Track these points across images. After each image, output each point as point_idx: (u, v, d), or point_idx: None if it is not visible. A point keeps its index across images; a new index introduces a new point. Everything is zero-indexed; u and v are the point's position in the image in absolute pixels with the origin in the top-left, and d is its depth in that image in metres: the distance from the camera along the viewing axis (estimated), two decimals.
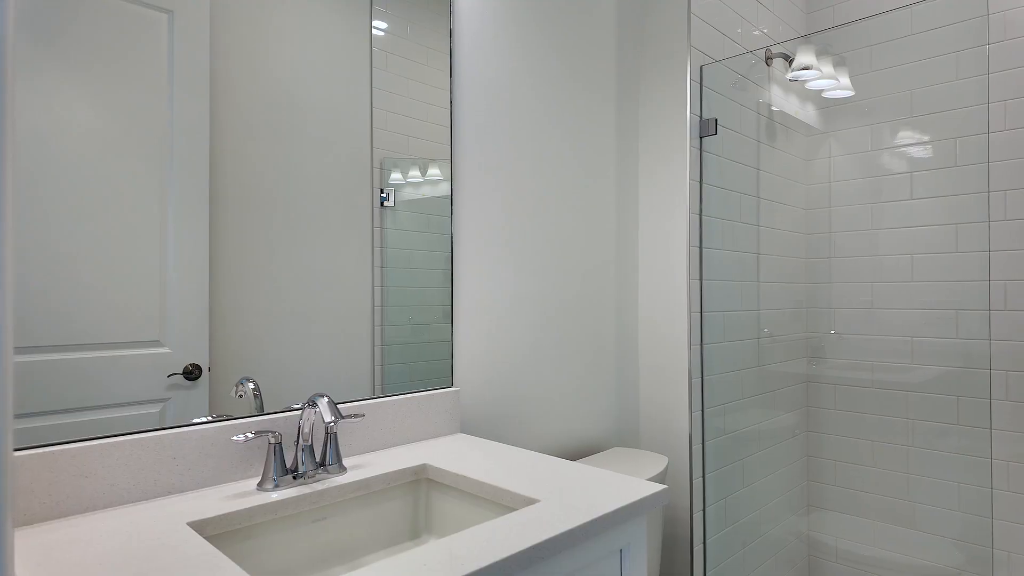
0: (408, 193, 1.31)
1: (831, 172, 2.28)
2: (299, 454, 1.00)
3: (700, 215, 1.86)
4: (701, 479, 1.84)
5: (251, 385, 1.07)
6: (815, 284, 2.30)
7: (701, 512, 1.84)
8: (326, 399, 0.95)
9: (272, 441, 0.98)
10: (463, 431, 1.42)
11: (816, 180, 2.32)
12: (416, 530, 1.13)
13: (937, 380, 2.04)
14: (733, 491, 1.97)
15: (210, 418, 1.01)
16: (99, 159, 0.91)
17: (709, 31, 1.91)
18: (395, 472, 1.10)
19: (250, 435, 0.96)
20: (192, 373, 1.00)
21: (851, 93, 2.30)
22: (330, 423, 0.93)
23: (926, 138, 2.10)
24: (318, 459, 1.06)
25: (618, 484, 1.02)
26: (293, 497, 0.95)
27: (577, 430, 1.71)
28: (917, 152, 2.12)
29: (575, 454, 1.70)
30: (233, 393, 1.04)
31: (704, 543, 1.84)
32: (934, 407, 2.04)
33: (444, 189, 1.38)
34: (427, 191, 1.34)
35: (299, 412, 1.10)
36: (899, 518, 2.09)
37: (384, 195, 1.27)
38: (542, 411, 1.61)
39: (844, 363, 2.24)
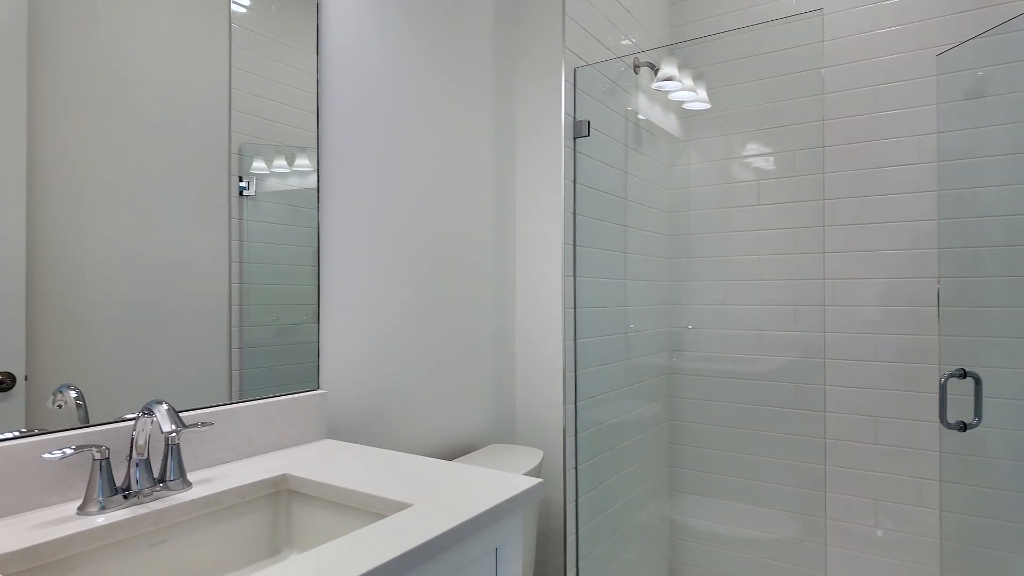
0: (273, 184, 1.20)
1: (689, 178, 2.44)
2: (131, 470, 0.87)
3: (574, 214, 1.90)
4: (574, 471, 1.88)
5: (73, 393, 0.92)
6: (675, 282, 2.45)
7: (574, 503, 1.88)
8: (165, 406, 0.83)
9: (97, 457, 0.84)
10: (331, 436, 1.33)
11: (677, 185, 2.47)
12: (276, 546, 1.04)
13: (779, 370, 2.25)
14: (603, 481, 2.04)
15: (18, 432, 0.85)
16: None
17: (582, 34, 1.96)
18: (251, 485, 0.99)
19: (68, 450, 0.82)
20: (3, 383, 0.83)
21: (708, 106, 2.47)
22: (170, 433, 0.82)
23: (771, 150, 2.31)
24: (156, 475, 0.93)
25: (493, 481, 0.99)
26: (124, 520, 0.83)
27: (454, 429, 1.67)
28: (763, 162, 2.33)
29: (452, 453, 1.66)
30: (51, 403, 0.89)
31: (576, 534, 1.88)
32: (776, 394, 2.24)
33: (314, 181, 1.28)
34: (295, 182, 1.24)
35: (132, 422, 0.96)
36: (747, 496, 2.28)
37: (244, 184, 1.16)
38: (417, 411, 1.55)
39: (700, 355, 2.40)
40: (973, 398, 1.73)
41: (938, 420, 1.93)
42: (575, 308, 1.89)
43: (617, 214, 2.16)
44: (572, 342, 1.88)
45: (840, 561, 2.14)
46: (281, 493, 1.04)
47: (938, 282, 1.99)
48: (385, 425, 1.46)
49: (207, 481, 0.99)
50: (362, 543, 0.75)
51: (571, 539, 1.85)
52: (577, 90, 1.91)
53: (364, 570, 0.68)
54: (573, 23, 1.90)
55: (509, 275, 1.89)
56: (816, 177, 2.20)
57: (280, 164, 1.21)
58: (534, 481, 0.99)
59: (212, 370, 1.10)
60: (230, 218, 1.13)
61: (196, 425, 0.96)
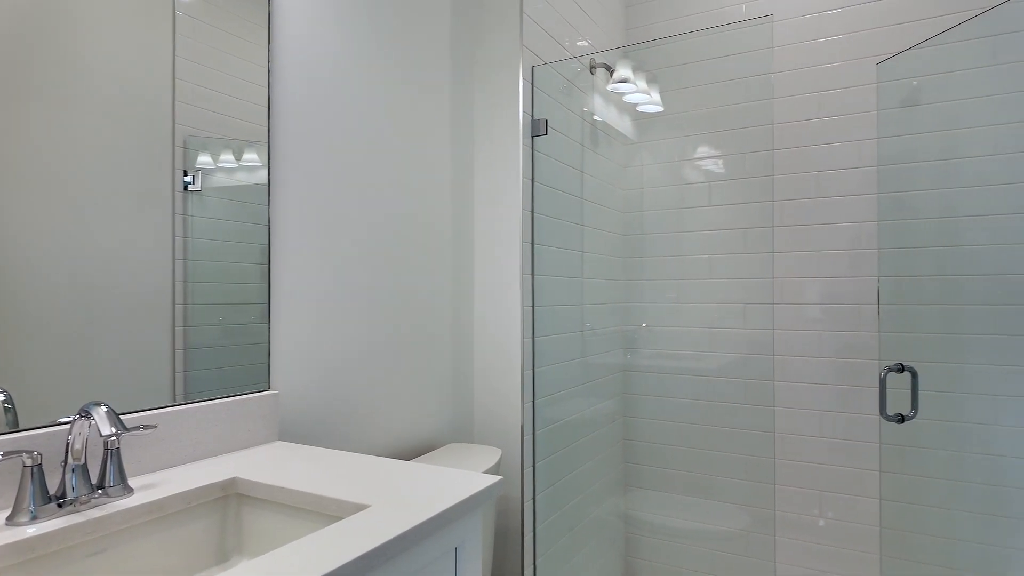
0: (220, 179, 1.15)
1: (643, 179, 2.48)
2: (67, 477, 0.82)
3: (532, 212, 1.90)
4: (532, 469, 1.88)
5: (0, 396, 0.86)
6: (629, 281, 2.49)
7: (531, 501, 1.88)
8: (104, 408, 0.79)
9: (28, 463, 0.79)
10: (283, 439, 1.29)
11: (631, 186, 2.51)
12: (225, 553, 0.99)
13: (730, 366, 2.31)
14: (560, 478, 2.05)
15: None
16: None
17: (540, 33, 1.96)
18: (198, 489, 0.95)
19: None
20: None
21: (661, 108, 2.52)
22: (110, 436, 0.77)
23: (721, 152, 2.36)
24: (95, 481, 0.88)
25: (453, 480, 0.98)
26: (58, 530, 0.78)
27: (411, 429, 1.64)
28: (714, 164, 2.39)
29: (410, 454, 1.64)
30: None
31: (534, 531, 1.88)
32: (727, 390, 2.30)
33: (262, 176, 1.24)
34: (243, 177, 1.20)
35: (68, 426, 0.90)
36: (700, 490, 2.33)
37: (189, 178, 1.11)
38: (374, 412, 1.52)
39: (654, 353, 2.44)
40: (910, 391, 1.81)
41: (878, 413, 2.02)
42: (533, 306, 1.90)
43: (574, 213, 2.18)
44: (531, 340, 1.88)
45: (788, 551, 2.22)
46: (230, 497, 1.00)
47: (878, 281, 2.08)
48: (340, 426, 1.43)
49: (151, 487, 0.94)
50: (317, 546, 0.73)
51: (528, 537, 1.85)
52: (535, 88, 1.92)
53: (319, 575, 0.66)
54: (531, 21, 1.90)
55: (467, 272, 1.88)
56: (765, 179, 2.27)
57: (227, 158, 1.17)
58: (493, 479, 0.99)
59: (155, 371, 1.05)
60: (174, 213, 1.08)
61: (138, 428, 0.91)
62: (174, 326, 1.07)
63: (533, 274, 1.90)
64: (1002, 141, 1.87)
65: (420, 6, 1.69)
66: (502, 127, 1.86)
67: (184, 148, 1.09)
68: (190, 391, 1.10)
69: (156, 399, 1.04)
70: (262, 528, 0.98)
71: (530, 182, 1.90)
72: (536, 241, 1.92)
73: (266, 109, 1.24)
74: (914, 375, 1.78)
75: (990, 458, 1.86)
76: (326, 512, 0.91)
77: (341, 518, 0.90)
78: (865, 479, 2.10)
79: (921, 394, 1.93)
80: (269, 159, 1.26)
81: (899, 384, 1.94)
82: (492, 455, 1.64)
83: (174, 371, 1.07)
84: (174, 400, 1.07)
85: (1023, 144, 1.84)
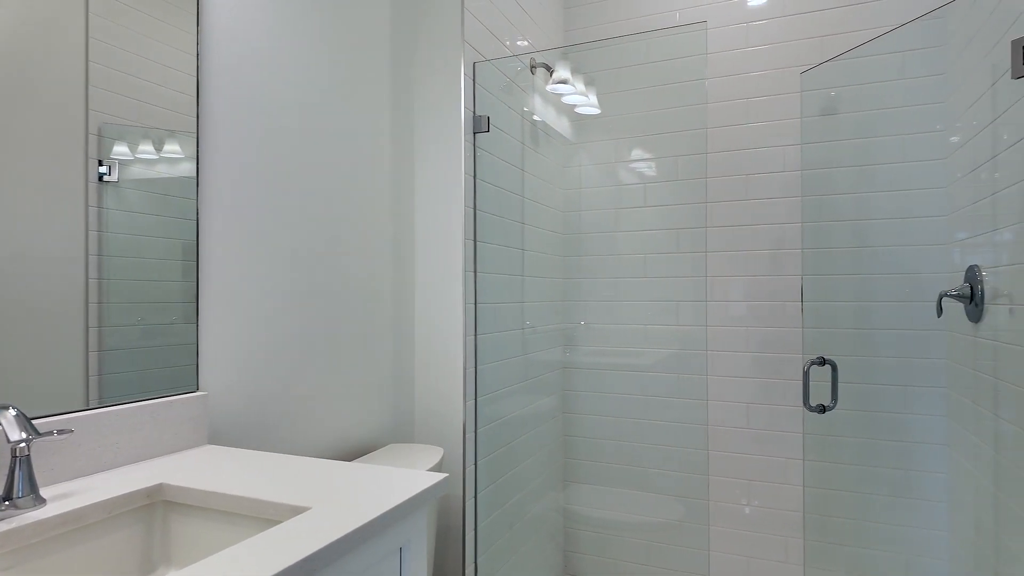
0: (138, 171, 1.08)
1: (581, 179, 2.52)
2: None
3: (475, 209, 1.89)
4: (474, 466, 1.87)
5: None
6: (568, 279, 2.52)
7: (473, 499, 1.87)
8: (13, 411, 0.72)
9: None
10: (215, 442, 1.23)
11: (570, 186, 2.54)
12: (152, 563, 0.93)
13: (664, 361, 2.38)
14: (502, 475, 2.05)
15: None
16: None
17: (481, 29, 1.95)
18: (120, 497, 0.89)
19: None
20: None
21: (598, 111, 2.57)
22: (19, 443, 0.71)
23: (656, 155, 2.43)
24: (2, 492, 0.81)
25: (397, 479, 0.96)
26: None
27: (351, 430, 1.60)
28: (649, 166, 2.45)
29: (349, 455, 1.59)
30: None
31: (476, 529, 1.87)
32: (662, 384, 2.37)
33: (186, 169, 1.17)
34: (164, 169, 1.13)
35: None
36: (637, 483, 2.39)
37: (104, 169, 1.03)
38: (312, 413, 1.47)
39: (592, 350, 2.48)
40: (830, 383, 1.92)
41: (801, 404, 2.14)
42: (475, 303, 1.89)
43: (515, 211, 2.18)
44: (473, 338, 1.87)
45: (719, 539, 2.30)
46: (156, 505, 0.94)
47: (801, 279, 2.20)
48: (276, 429, 1.37)
49: (66, 496, 0.87)
50: (254, 552, 0.69)
51: (470, 535, 1.84)
52: (477, 85, 1.91)
53: None
54: (472, 17, 1.89)
55: (409, 270, 1.85)
56: (699, 181, 2.35)
57: (147, 149, 1.10)
58: (438, 476, 0.97)
59: (67, 374, 0.97)
60: (87, 206, 1.00)
61: (52, 433, 0.84)
62: (87, 326, 1.00)
63: (476, 271, 1.89)
64: (910, 149, 2.01)
65: (356, 8, 1.65)
66: (443, 123, 1.84)
67: (99, 136, 1.02)
68: (108, 394, 1.03)
69: (69, 403, 0.97)
70: (192, 536, 0.92)
71: (472, 179, 1.89)
72: (478, 238, 1.91)
73: (194, 99, 1.18)
74: (834, 368, 1.89)
75: (901, 444, 2.00)
76: (263, 516, 0.87)
77: (279, 522, 0.86)
78: (789, 467, 2.21)
79: (840, 386, 2.06)
80: (198, 151, 1.19)
81: (821, 377, 2.05)
82: (434, 454, 1.62)
83: (87, 373, 1.00)
84: (87, 404, 0.99)
85: (929, 152, 1.99)
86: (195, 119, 1.18)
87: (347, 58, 1.60)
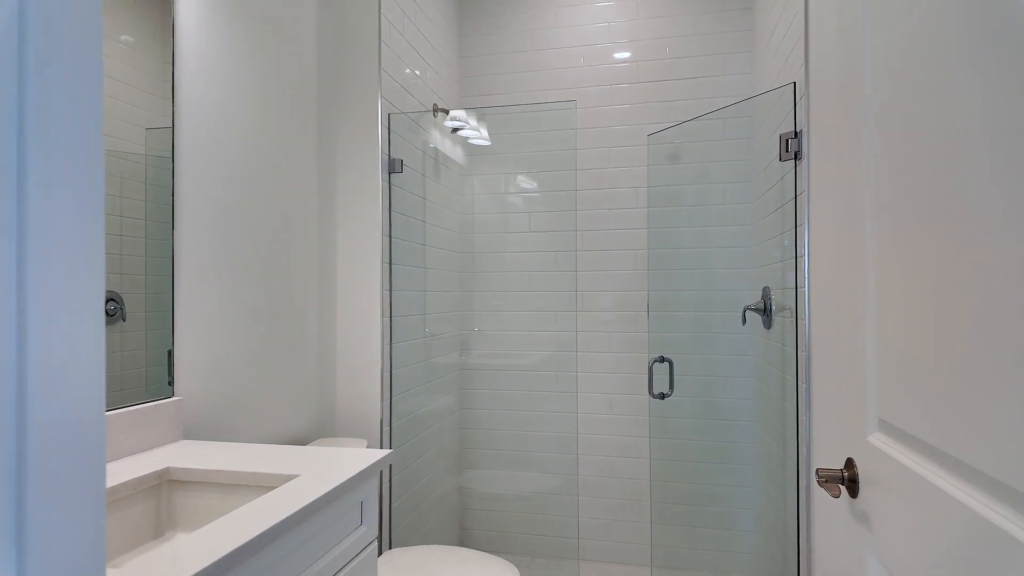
0: None
1: (475, 205, 2.94)
2: None
3: (390, 238, 2.24)
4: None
5: None
6: (464, 292, 2.93)
7: (388, 483, 2.21)
8: None
9: None
10: (186, 438, 1.49)
11: (465, 211, 2.95)
12: (160, 529, 1.21)
13: (545, 361, 2.85)
14: (412, 462, 2.41)
15: None
16: None
17: (396, 86, 2.30)
18: (135, 479, 1.16)
19: None
20: None
21: (489, 143, 3.00)
22: None
23: (539, 188, 2.91)
24: None
25: (355, 455, 1.31)
26: None
27: (286, 427, 1.89)
28: (531, 196, 2.93)
29: None
30: None
31: (391, 508, 2.22)
32: (543, 381, 2.85)
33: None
34: None
35: None
36: (522, 464, 2.84)
37: None
38: (256, 412, 1.75)
39: (485, 353, 2.91)
40: (669, 376, 2.49)
41: (647, 393, 2.70)
42: (391, 317, 2.24)
43: (420, 235, 2.55)
44: (389, 346, 2.22)
45: (587, 507, 2.82)
46: (162, 485, 1.22)
47: (648, 294, 2.77)
48: (231, 426, 1.65)
49: None
50: (268, 504, 1.03)
51: (386, 513, 2.19)
52: (391, 133, 2.26)
53: (278, 520, 0.96)
54: (388, 76, 2.24)
55: (332, 290, 2.16)
56: (571, 212, 2.86)
57: None
58: (386, 452, 1.34)
59: None
60: None
61: None
62: None
63: (391, 290, 2.24)
64: (728, 195, 2.64)
65: (290, 69, 1.94)
66: (363, 166, 2.17)
67: None
68: (109, 401, 1.27)
69: None
70: (197, 506, 1.22)
71: (388, 211, 2.23)
72: (393, 261, 2.26)
73: (171, 149, 1.44)
74: (671, 364, 2.45)
75: (721, 422, 2.62)
76: (262, 484, 1.19)
77: (276, 487, 1.18)
78: (640, 444, 2.77)
79: (676, 378, 2.64)
80: (174, 209, 1.45)
81: (662, 371, 2.63)
82: (360, 444, 1.95)
83: None
84: None
85: (741, 198, 2.62)
86: (171, 177, 1.44)
87: (282, 114, 1.89)
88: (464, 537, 2.90)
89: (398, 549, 1.95)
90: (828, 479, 1.02)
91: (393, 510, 2.25)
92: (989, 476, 0.63)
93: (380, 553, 2.10)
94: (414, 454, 2.45)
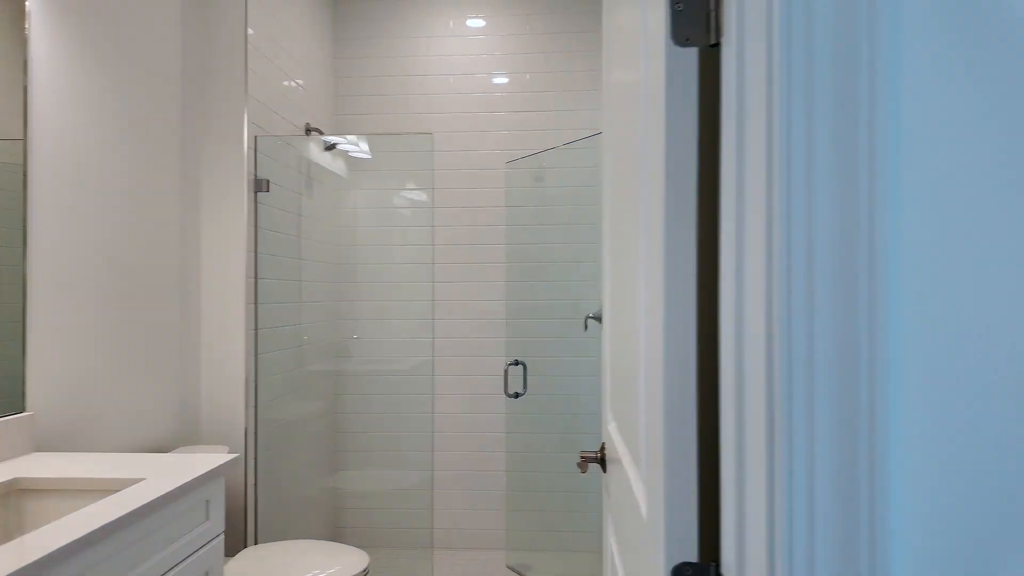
0: None
1: (357, 218, 3.11)
2: None
3: (256, 253, 2.37)
4: (254, 461, 2.35)
5: None
6: (342, 302, 3.09)
7: (254, 487, 2.35)
8: None
9: None
10: (38, 451, 1.58)
11: (347, 223, 3.11)
12: (8, 536, 1.32)
13: (415, 367, 3.07)
14: (281, 467, 2.55)
15: None
16: None
17: (262, 107, 2.43)
18: None
19: None
20: None
21: (369, 157, 3.18)
22: None
23: (408, 203, 3.12)
24: None
25: (202, 460, 1.47)
26: None
27: (147, 437, 1.98)
28: (402, 212, 3.14)
29: None
30: None
31: (256, 512, 2.35)
32: (411, 384, 3.06)
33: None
34: None
35: None
36: (390, 463, 3.05)
37: None
38: (115, 423, 1.84)
39: (363, 359, 3.08)
40: (523, 378, 2.78)
41: (503, 393, 2.98)
42: (256, 329, 2.37)
43: (294, 250, 2.69)
44: (254, 357, 2.34)
45: (446, 500, 3.07)
46: (11, 494, 1.32)
47: (504, 304, 3.06)
48: (89, 437, 1.73)
49: None
50: (110, 505, 1.18)
51: (251, 515, 2.32)
52: (259, 154, 2.39)
53: (116, 516, 1.11)
54: (254, 100, 2.37)
55: (195, 305, 2.26)
56: (430, 228, 3.10)
57: None
58: (232, 456, 1.50)
59: None
60: None
61: None
62: None
63: (257, 303, 2.37)
64: (584, 215, 2.98)
65: (154, 95, 2.04)
66: (227, 186, 2.29)
67: None
68: None
69: None
70: (46, 511, 1.33)
71: (254, 229, 2.36)
72: (260, 276, 2.39)
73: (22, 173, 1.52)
74: (525, 367, 2.75)
75: (568, 416, 2.95)
76: (109, 488, 1.32)
77: (121, 490, 1.32)
78: (497, 439, 3.06)
79: (529, 378, 2.95)
80: (25, 225, 1.53)
81: (517, 373, 2.92)
82: (221, 451, 2.08)
83: None
84: None
85: (593, 219, 2.96)
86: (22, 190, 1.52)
87: (144, 137, 1.99)
88: (337, 534, 3.05)
89: (261, 545, 2.10)
90: (585, 459, 1.31)
91: (260, 510, 2.38)
92: (637, 454, 0.92)
93: (244, 548, 2.23)
94: (285, 457, 2.58)
